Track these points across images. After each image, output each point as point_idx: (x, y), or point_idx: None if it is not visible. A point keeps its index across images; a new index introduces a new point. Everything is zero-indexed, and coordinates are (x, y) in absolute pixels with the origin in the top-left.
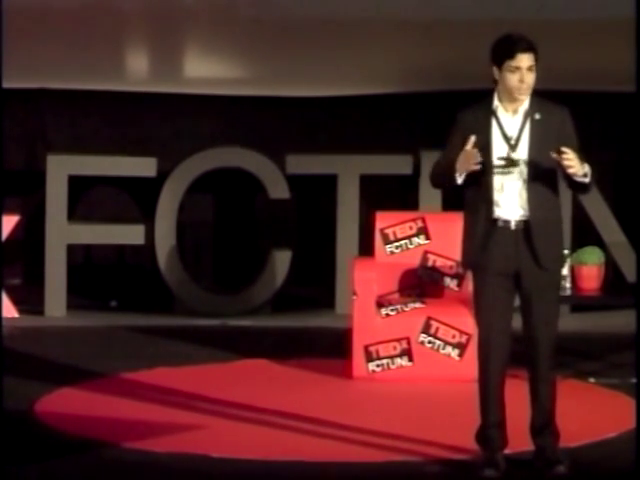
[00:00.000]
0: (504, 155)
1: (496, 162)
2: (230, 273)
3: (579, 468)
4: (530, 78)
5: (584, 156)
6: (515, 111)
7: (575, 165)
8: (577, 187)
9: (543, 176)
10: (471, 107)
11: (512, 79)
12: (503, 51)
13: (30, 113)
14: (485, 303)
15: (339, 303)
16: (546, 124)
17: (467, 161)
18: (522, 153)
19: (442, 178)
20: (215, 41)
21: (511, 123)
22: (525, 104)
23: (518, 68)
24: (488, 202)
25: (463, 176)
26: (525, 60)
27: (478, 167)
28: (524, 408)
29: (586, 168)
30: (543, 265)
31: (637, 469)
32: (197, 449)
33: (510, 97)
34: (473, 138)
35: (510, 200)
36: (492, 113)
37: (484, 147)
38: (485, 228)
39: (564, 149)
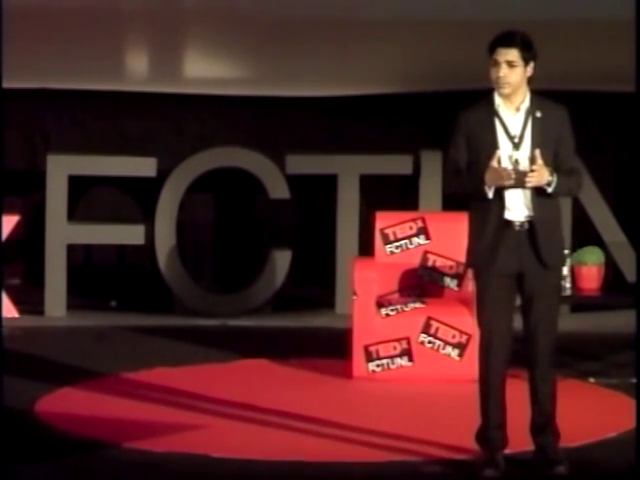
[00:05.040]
0: (512, 174)
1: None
2: (230, 273)
3: (579, 468)
4: (509, 73)
5: (579, 156)
6: (517, 109)
7: (532, 181)
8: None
9: None
10: (472, 107)
11: (492, 72)
12: (490, 44)
13: (30, 113)
14: (487, 303)
15: (339, 303)
16: (547, 122)
17: (500, 179)
18: (525, 151)
19: (467, 191)
20: (215, 41)
21: (513, 121)
22: (526, 102)
23: (497, 62)
24: (500, 203)
25: (493, 189)
26: (503, 54)
27: (512, 182)
28: (524, 408)
29: (552, 179)
30: (547, 264)
31: (637, 469)
32: (197, 449)
33: (498, 92)
34: (499, 153)
35: (516, 200)
36: (494, 112)
37: (491, 148)
38: (496, 229)
39: (534, 167)
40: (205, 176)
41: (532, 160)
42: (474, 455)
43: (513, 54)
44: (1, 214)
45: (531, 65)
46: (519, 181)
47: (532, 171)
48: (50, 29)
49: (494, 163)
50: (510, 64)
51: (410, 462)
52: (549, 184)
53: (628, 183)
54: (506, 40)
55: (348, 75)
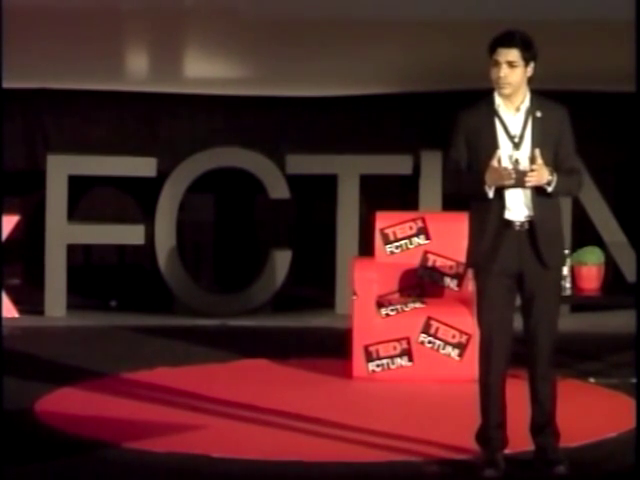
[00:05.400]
0: (513, 173)
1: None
2: (230, 273)
3: (579, 468)
4: (510, 73)
5: (579, 156)
6: (517, 109)
7: (532, 180)
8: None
9: None
10: (472, 107)
11: (493, 72)
12: (490, 45)
13: (30, 113)
14: (487, 303)
15: (339, 303)
16: (547, 122)
17: (501, 179)
18: (525, 151)
19: (467, 191)
20: (215, 41)
21: (513, 121)
22: (526, 102)
23: (498, 62)
24: (501, 203)
25: (493, 189)
26: (504, 55)
27: (512, 182)
28: (524, 408)
29: (552, 178)
30: (547, 264)
31: (637, 469)
32: (197, 449)
33: (499, 92)
34: (499, 153)
35: (516, 200)
36: (494, 112)
37: (491, 148)
38: (496, 229)
39: (534, 167)
40: (205, 176)
41: (532, 160)
42: (474, 455)
43: (514, 54)
44: (1, 214)
45: (531, 65)
46: (519, 181)
47: (532, 171)
48: (50, 29)
49: (494, 163)
50: (511, 64)
51: (410, 462)
52: (549, 183)
53: (628, 183)
54: (506, 40)
55: (348, 75)
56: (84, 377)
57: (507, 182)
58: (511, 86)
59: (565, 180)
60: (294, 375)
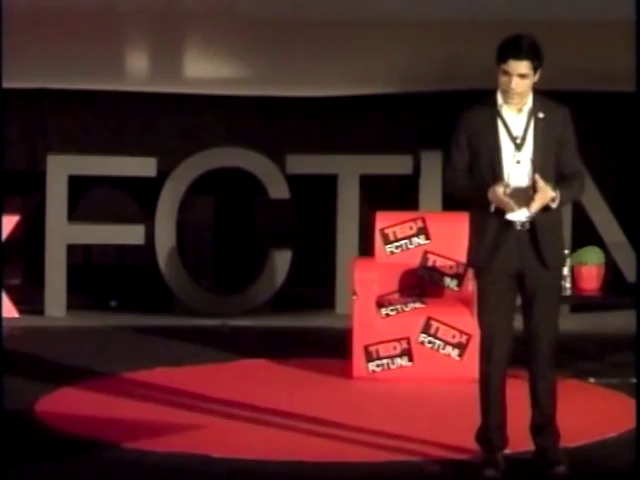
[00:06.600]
0: (515, 208)
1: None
2: (230, 273)
3: (579, 468)
4: (520, 84)
5: (582, 156)
6: (520, 110)
7: (536, 207)
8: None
9: (546, 175)
10: (475, 107)
11: (502, 82)
12: (500, 52)
13: (30, 113)
14: (488, 303)
15: (339, 303)
16: (549, 123)
17: (504, 207)
18: (527, 152)
19: (469, 199)
20: (215, 41)
21: (516, 122)
22: (529, 103)
23: (508, 73)
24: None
25: (494, 205)
26: (515, 67)
27: (515, 211)
28: (524, 408)
29: (555, 195)
30: (548, 264)
31: (637, 469)
32: (197, 449)
33: (507, 101)
34: (506, 182)
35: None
36: (497, 113)
37: (493, 149)
38: (497, 229)
39: (537, 195)
40: (205, 176)
41: (534, 185)
42: (474, 455)
43: (525, 66)
44: (1, 214)
45: (539, 71)
46: (523, 206)
47: (535, 191)
48: (50, 29)
49: (499, 191)
50: (522, 76)
51: (410, 462)
52: (553, 200)
53: (628, 183)
54: (517, 51)
55: (348, 75)
56: (84, 377)
57: (509, 211)
58: (520, 96)
59: (567, 191)
60: (294, 375)
